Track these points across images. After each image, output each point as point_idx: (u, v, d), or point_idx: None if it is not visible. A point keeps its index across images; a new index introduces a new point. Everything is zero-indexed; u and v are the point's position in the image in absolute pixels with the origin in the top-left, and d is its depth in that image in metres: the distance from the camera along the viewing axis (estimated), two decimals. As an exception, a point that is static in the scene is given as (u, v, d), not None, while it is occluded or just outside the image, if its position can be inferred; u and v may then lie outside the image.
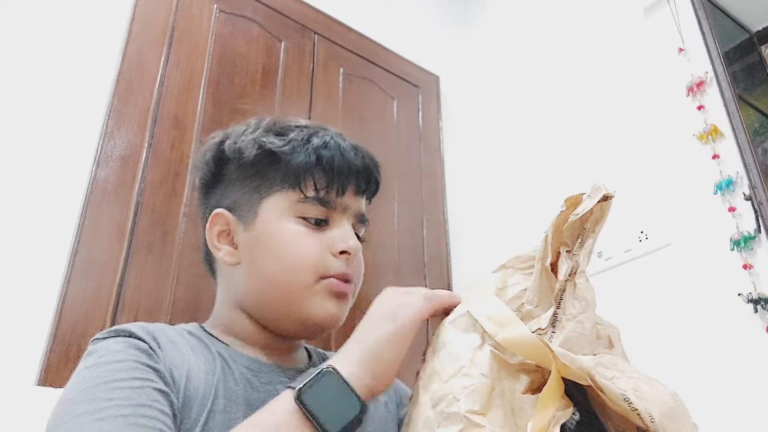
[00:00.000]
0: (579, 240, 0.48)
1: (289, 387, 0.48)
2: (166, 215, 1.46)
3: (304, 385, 0.47)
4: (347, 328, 0.57)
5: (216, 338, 0.63)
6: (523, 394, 0.45)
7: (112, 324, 1.27)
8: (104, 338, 0.55)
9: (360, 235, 0.68)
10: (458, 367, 0.46)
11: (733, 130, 1.59)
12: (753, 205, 1.48)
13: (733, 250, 1.49)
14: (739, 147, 1.56)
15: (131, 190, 1.43)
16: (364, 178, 0.66)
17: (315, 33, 2.02)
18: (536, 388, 0.45)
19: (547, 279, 0.48)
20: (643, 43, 1.89)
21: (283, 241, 0.62)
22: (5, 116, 1.37)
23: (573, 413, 0.46)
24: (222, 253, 0.65)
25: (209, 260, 0.69)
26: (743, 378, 1.38)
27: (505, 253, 0.53)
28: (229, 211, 0.66)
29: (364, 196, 0.68)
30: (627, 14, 1.97)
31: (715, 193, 1.57)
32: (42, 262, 1.29)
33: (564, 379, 0.45)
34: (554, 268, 0.49)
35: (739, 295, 1.43)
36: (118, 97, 1.50)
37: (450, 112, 2.37)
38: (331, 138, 0.66)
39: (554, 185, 1.95)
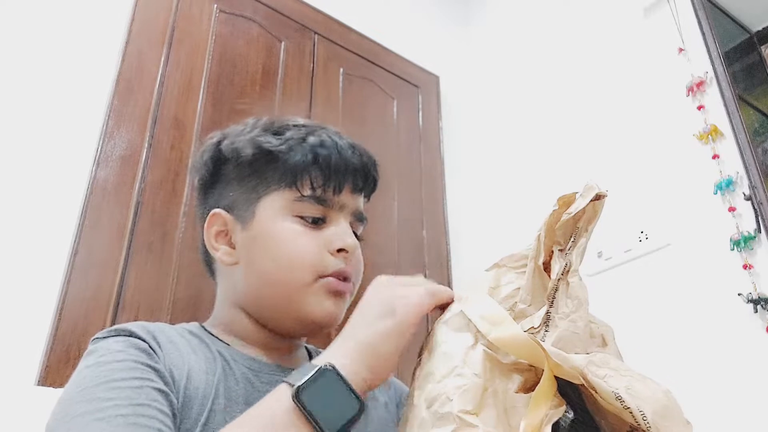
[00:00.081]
0: (572, 239, 0.48)
1: (285, 382, 0.47)
2: (166, 215, 1.47)
3: (302, 383, 0.46)
4: (347, 327, 0.57)
5: (217, 338, 0.63)
6: (516, 393, 0.45)
7: (112, 324, 1.28)
8: (104, 338, 0.55)
9: (358, 233, 0.68)
10: (451, 367, 0.46)
11: (733, 130, 1.58)
12: (753, 205, 1.48)
13: (733, 250, 1.49)
14: (739, 147, 1.56)
15: (131, 190, 1.44)
16: (361, 175, 0.66)
17: (315, 33, 2.02)
18: (529, 388, 0.45)
19: (540, 278, 0.48)
20: (643, 43, 1.89)
21: (280, 240, 0.62)
22: (5, 116, 1.37)
23: (566, 412, 0.46)
24: (220, 253, 0.65)
25: (208, 260, 0.69)
26: (743, 378, 1.38)
27: (505, 253, 0.53)
28: (227, 211, 0.66)
29: (362, 194, 0.68)
30: (627, 14, 1.97)
31: (715, 193, 1.56)
32: (42, 262, 1.29)
33: (557, 378, 0.45)
34: (547, 267, 0.49)
35: (739, 295, 1.43)
36: (118, 97, 1.50)
37: (450, 112, 2.37)
38: (328, 136, 0.65)
39: (554, 185, 1.94)
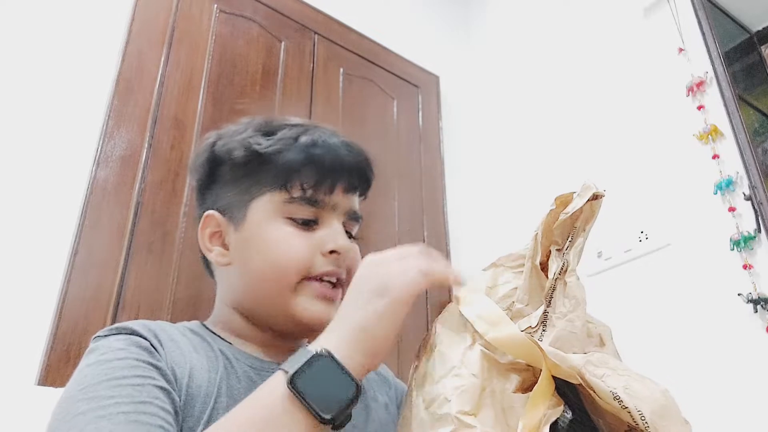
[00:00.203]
0: (569, 239, 0.48)
1: (281, 369, 0.47)
2: (166, 215, 1.47)
3: (297, 369, 0.45)
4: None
5: (218, 336, 0.63)
6: (514, 393, 0.45)
7: (113, 323, 1.28)
8: (106, 336, 0.55)
9: (353, 232, 0.67)
10: (449, 368, 0.46)
11: (733, 130, 1.58)
12: (753, 205, 1.48)
13: (733, 250, 1.48)
14: (739, 147, 1.55)
15: (131, 190, 1.44)
16: (354, 175, 0.65)
17: (315, 33, 2.02)
18: (527, 387, 0.45)
19: (538, 277, 0.48)
20: (643, 43, 1.89)
21: (270, 241, 0.61)
22: (6, 116, 1.37)
23: (564, 412, 0.46)
24: (213, 254, 0.66)
25: (207, 260, 0.69)
26: (743, 378, 1.37)
27: (505, 253, 0.53)
28: (221, 212, 0.66)
29: (356, 194, 0.67)
30: (627, 14, 1.97)
31: (715, 193, 1.56)
32: (42, 262, 1.29)
33: (555, 378, 0.45)
34: (544, 266, 0.49)
35: (739, 295, 1.43)
36: (118, 97, 1.50)
37: (450, 112, 2.37)
38: (321, 136, 0.65)
39: (554, 185, 1.94)
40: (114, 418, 0.46)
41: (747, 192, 1.50)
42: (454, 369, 0.46)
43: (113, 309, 1.31)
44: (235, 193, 0.65)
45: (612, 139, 1.88)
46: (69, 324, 1.26)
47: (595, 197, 0.46)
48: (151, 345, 0.54)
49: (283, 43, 1.92)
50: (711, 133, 1.61)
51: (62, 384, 0.54)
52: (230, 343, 0.63)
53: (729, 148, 1.58)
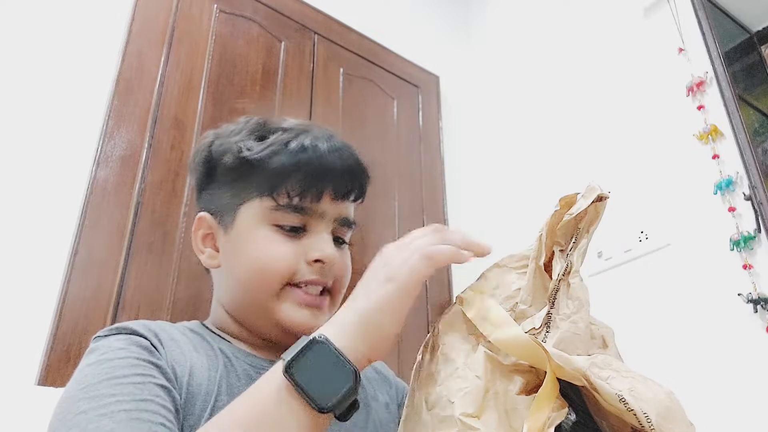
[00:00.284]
0: (573, 240, 0.47)
1: (281, 359, 0.45)
2: (166, 215, 1.47)
3: (293, 356, 0.44)
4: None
5: (218, 335, 0.63)
6: (517, 395, 0.44)
7: (113, 323, 1.28)
8: (106, 335, 0.55)
9: (345, 238, 0.66)
10: (452, 369, 0.46)
11: (733, 130, 1.58)
12: (753, 205, 1.48)
13: (733, 250, 1.49)
14: (739, 147, 1.56)
15: (131, 190, 1.44)
16: (344, 181, 0.64)
17: (315, 33, 2.02)
18: (530, 389, 0.45)
19: (541, 278, 0.48)
20: (643, 43, 1.89)
21: (255, 247, 0.61)
22: (6, 116, 1.37)
23: (568, 414, 0.45)
24: (204, 255, 0.66)
25: None
26: (743, 378, 1.38)
27: (506, 253, 0.52)
28: (214, 214, 0.66)
29: (347, 200, 0.65)
30: (627, 14, 1.97)
31: (715, 193, 1.56)
32: (42, 262, 1.29)
33: (558, 380, 0.44)
34: (548, 267, 0.48)
35: (739, 295, 1.43)
36: (118, 97, 1.50)
37: (450, 112, 2.37)
38: (311, 141, 0.63)
39: (554, 185, 1.95)
40: (115, 416, 0.46)
41: (747, 192, 1.50)
42: (457, 370, 0.45)
43: (113, 309, 1.31)
44: (227, 196, 0.65)
45: (612, 139, 1.88)
46: (69, 324, 1.26)
47: (600, 199, 0.46)
48: (152, 344, 0.54)
49: (283, 43, 1.91)
50: (711, 133, 1.61)
51: (62, 384, 0.53)
52: (230, 342, 0.63)
53: (729, 148, 1.59)
